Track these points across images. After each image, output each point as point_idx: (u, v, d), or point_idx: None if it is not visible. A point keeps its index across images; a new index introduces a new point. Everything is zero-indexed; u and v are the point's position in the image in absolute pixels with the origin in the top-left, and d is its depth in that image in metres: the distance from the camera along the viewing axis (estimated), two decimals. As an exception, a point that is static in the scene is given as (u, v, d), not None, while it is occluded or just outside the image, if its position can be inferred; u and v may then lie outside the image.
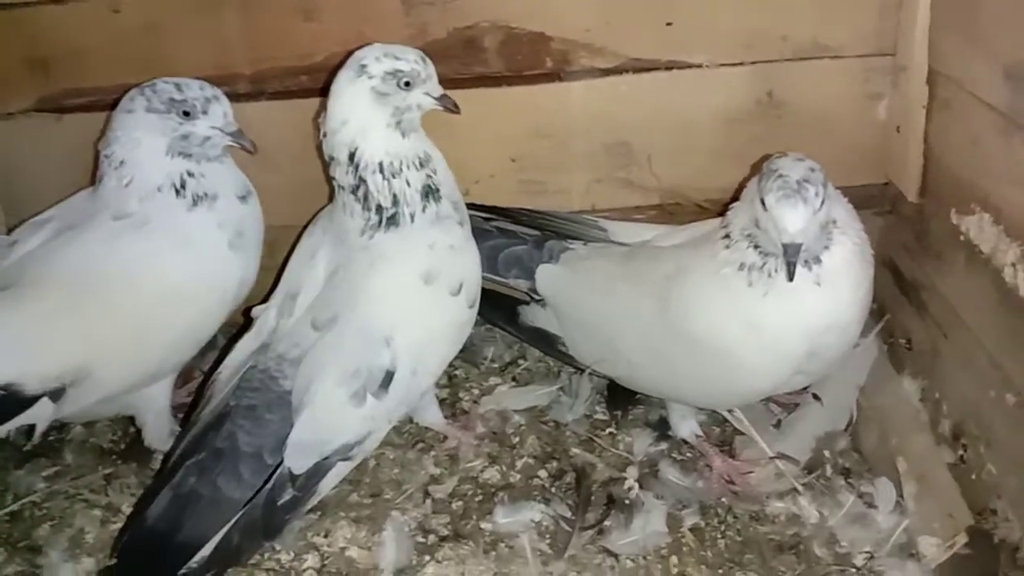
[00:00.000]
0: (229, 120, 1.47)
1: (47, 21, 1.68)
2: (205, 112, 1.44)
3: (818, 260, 1.29)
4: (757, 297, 1.31)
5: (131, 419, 1.65)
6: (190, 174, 1.46)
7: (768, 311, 1.31)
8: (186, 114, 1.44)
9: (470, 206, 1.58)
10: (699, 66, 1.68)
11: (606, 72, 1.70)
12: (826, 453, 1.57)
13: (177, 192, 1.45)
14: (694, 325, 1.40)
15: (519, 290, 1.70)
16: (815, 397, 1.63)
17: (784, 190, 1.22)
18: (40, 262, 1.45)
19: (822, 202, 1.23)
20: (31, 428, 1.40)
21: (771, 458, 1.57)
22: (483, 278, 1.54)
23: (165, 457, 1.51)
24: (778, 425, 1.64)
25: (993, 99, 1.32)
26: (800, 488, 1.51)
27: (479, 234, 1.58)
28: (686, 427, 1.61)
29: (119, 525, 1.52)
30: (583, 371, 1.68)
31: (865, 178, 1.71)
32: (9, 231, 1.64)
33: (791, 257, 1.22)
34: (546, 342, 1.70)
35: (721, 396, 1.53)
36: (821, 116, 1.69)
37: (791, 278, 1.23)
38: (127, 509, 1.55)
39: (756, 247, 1.32)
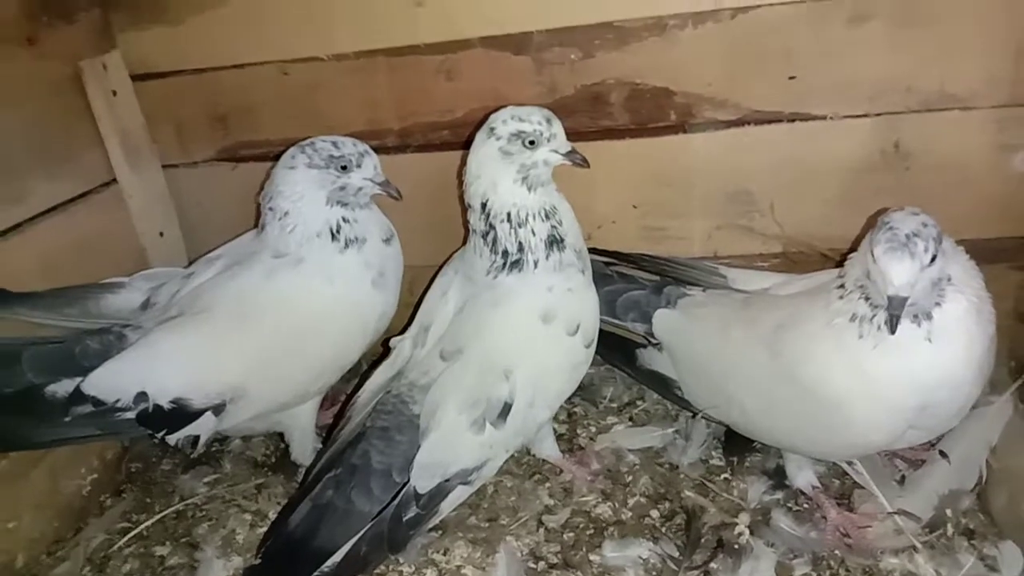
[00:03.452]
0: (378, 171, 1.63)
1: (228, 82, 1.92)
2: (359, 165, 1.61)
3: (929, 316, 1.28)
4: (867, 349, 1.31)
5: (281, 435, 1.83)
6: (345, 220, 1.62)
7: (877, 363, 1.31)
8: (343, 168, 1.60)
9: (592, 250, 1.66)
10: (823, 118, 1.68)
11: (728, 124, 1.73)
12: (949, 512, 1.53)
13: (332, 236, 1.61)
14: (804, 374, 1.40)
15: (636, 333, 1.75)
16: (942, 454, 1.58)
17: (892, 243, 1.23)
18: (209, 293, 1.63)
19: (932, 258, 1.22)
20: (196, 438, 1.57)
21: (890, 513, 1.54)
22: (602, 321, 1.61)
23: (307, 471, 1.66)
24: (902, 481, 1.61)
25: None
26: (919, 545, 1.48)
27: (599, 278, 1.65)
28: (803, 477, 1.61)
29: (264, 529, 1.68)
30: (697, 415, 1.71)
31: (999, 230, 1.66)
32: (189, 263, 1.87)
33: (895, 310, 1.22)
34: (662, 385, 1.74)
35: (833, 447, 1.51)
36: (952, 167, 1.65)
37: (893, 331, 1.23)
38: (272, 515, 1.71)
39: (867, 299, 1.32)
